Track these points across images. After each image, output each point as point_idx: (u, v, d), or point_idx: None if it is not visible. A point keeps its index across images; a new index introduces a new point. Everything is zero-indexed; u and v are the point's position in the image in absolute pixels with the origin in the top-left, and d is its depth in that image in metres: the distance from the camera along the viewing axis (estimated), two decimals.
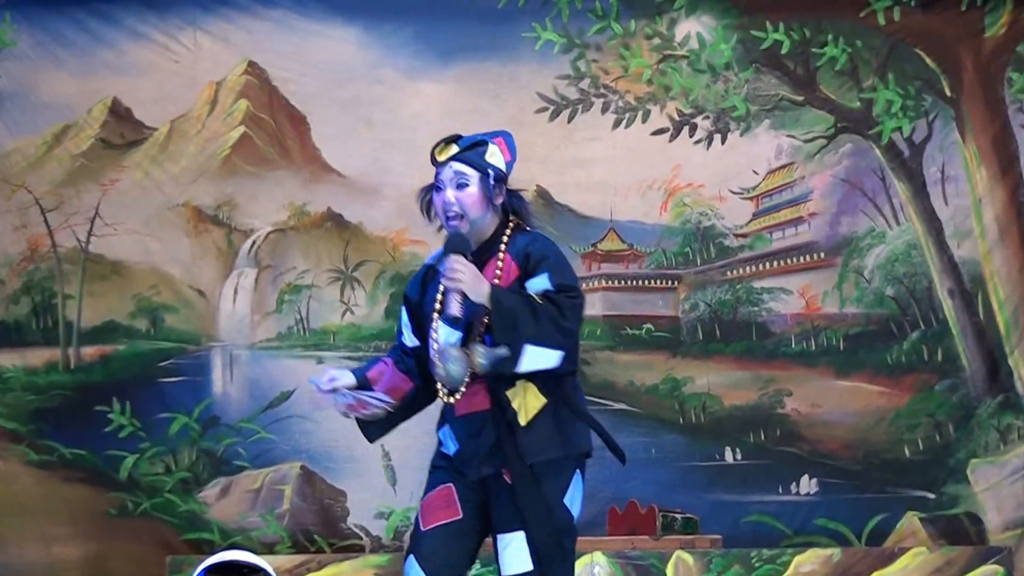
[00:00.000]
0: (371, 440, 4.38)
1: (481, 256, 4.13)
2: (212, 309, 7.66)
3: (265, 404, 7.57)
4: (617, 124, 7.69)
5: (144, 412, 7.51)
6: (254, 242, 7.67)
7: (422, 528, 4.17)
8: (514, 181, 7.71)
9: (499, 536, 4.12)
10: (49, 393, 7.51)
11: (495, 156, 4.23)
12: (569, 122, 7.69)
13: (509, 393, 4.09)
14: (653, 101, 7.70)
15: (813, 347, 7.68)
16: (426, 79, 7.67)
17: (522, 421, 4.08)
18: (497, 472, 4.11)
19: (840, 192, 7.78)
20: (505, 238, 4.18)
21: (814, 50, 7.74)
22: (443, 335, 4.13)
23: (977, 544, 7.50)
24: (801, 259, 7.74)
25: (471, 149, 4.21)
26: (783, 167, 7.76)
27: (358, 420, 4.28)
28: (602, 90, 7.69)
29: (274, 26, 7.64)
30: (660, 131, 7.69)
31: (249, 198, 7.66)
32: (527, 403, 4.09)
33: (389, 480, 7.53)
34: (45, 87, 7.60)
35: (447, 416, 4.22)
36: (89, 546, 7.41)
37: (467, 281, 4.01)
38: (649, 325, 7.71)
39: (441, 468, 4.24)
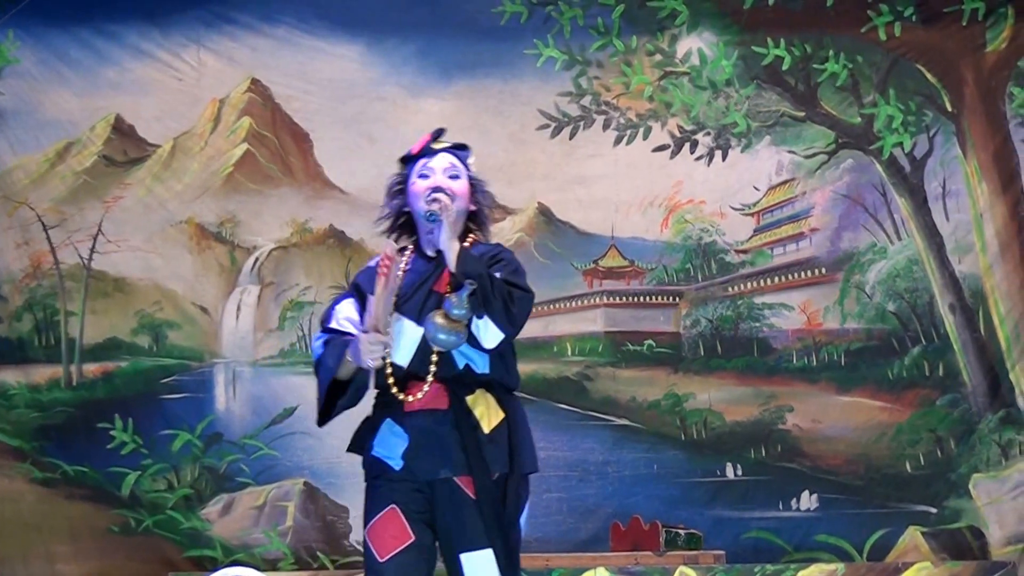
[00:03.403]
0: (321, 424, 4.29)
1: (442, 257, 4.16)
2: (215, 326, 7.70)
3: (268, 421, 7.62)
4: (618, 141, 7.76)
5: (146, 429, 7.56)
6: (257, 259, 7.73)
7: (379, 559, 4.11)
8: (516, 199, 7.87)
9: (463, 555, 4.06)
10: (52, 410, 7.56)
11: (474, 166, 4.37)
12: (571, 139, 7.76)
13: (469, 399, 4.09)
14: (654, 118, 7.76)
15: (814, 363, 7.72)
16: (428, 96, 7.73)
17: (485, 429, 4.09)
18: (451, 478, 4.06)
19: (841, 207, 7.82)
20: (467, 243, 4.20)
21: (815, 66, 7.80)
22: (405, 332, 4.10)
23: (980, 558, 7.53)
24: (802, 275, 7.78)
25: (460, 149, 4.34)
26: (784, 183, 7.81)
27: (322, 402, 4.20)
28: (603, 107, 7.76)
29: (277, 44, 7.72)
30: (661, 147, 7.76)
31: (252, 215, 7.73)
32: (488, 413, 4.11)
33: None
34: (48, 104, 7.68)
35: (390, 410, 4.13)
36: (91, 563, 7.45)
37: (448, 224, 4.06)
38: (651, 341, 7.75)
39: (378, 483, 4.18)
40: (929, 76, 7.86)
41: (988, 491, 7.67)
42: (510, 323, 4.03)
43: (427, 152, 4.30)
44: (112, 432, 7.54)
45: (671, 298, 7.79)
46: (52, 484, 7.50)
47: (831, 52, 7.81)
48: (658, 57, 7.79)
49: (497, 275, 4.05)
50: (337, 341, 4.18)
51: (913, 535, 7.63)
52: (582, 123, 7.76)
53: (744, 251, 7.82)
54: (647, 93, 7.76)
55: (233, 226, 7.73)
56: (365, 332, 4.04)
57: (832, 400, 7.70)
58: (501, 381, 4.16)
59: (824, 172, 7.82)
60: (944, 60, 7.86)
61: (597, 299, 7.77)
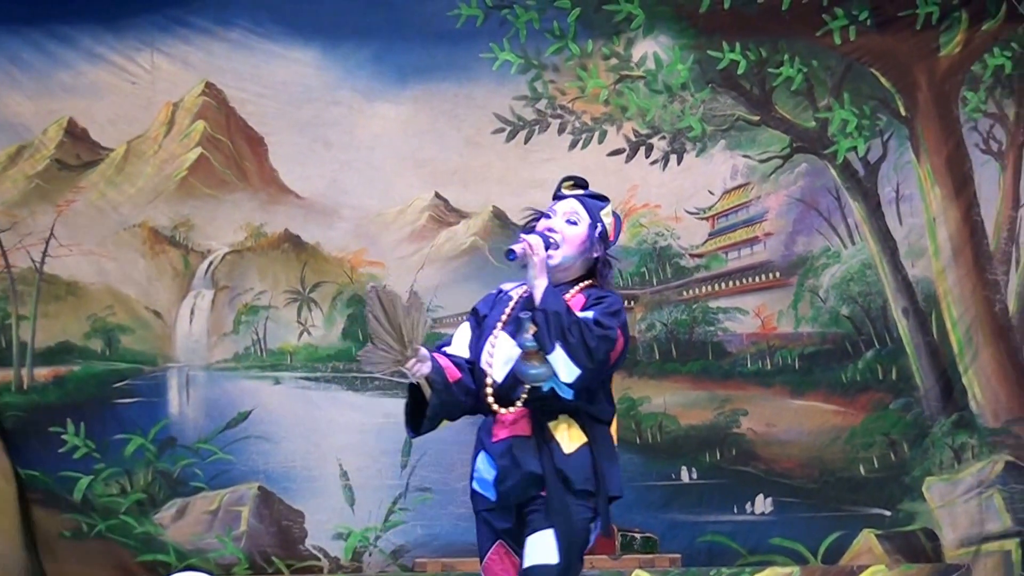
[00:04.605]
0: (416, 434, 4.46)
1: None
2: (168, 330, 7.72)
3: (222, 425, 7.66)
4: (574, 145, 7.79)
5: (99, 433, 7.58)
6: (211, 263, 7.74)
7: None
8: (471, 202, 7.92)
9: (527, 539, 4.28)
10: (3, 414, 7.55)
11: (608, 217, 4.50)
12: (526, 143, 7.78)
13: (551, 425, 4.30)
14: (610, 121, 7.80)
15: (769, 366, 7.78)
16: (384, 100, 7.75)
17: (566, 450, 4.30)
18: (537, 495, 4.29)
19: (795, 212, 7.87)
20: (581, 285, 4.40)
21: (770, 70, 7.84)
22: (501, 347, 4.34)
23: (933, 560, 7.63)
24: (757, 279, 7.83)
25: (593, 197, 4.52)
26: (739, 187, 7.85)
27: (408, 411, 4.39)
28: (559, 111, 7.78)
29: (232, 47, 7.71)
30: (617, 152, 7.79)
31: (206, 219, 7.73)
32: (570, 435, 4.32)
33: (348, 501, 7.64)
34: (0, 107, 7.66)
35: (483, 443, 4.38)
36: (43, 568, 7.45)
37: (538, 262, 4.27)
38: None
39: (482, 516, 4.43)
40: (883, 80, 7.91)
41: (941, 494, 7.75)
42: (588, 358, 4.18)
43: (558, 195, 4.52)
44: (64, 436, 7.56)
45: (626, 302, 7.78)
46: (3, 488, 7.46)
47: (786, 56, 7.85)
48: (614, 61, 7.82)
49: (590, 314, 4.25)
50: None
51: (867, 538, 7.71)
52: (537, 127, 7.79)
53: (699, 255, 7.87)
54: (602, 97, 7.80)
55: (187, 230, 7.73)
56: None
57: (786, 404, 7.76)
58: (587, 411, 4.36)
59: (779, 176, 7.87)
60: (898, 64, 7.91)
61: None
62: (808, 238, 7.88)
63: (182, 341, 7.74)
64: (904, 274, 7.87)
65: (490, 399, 4.33)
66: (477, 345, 4.41)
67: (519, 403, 4.29)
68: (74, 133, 7.71)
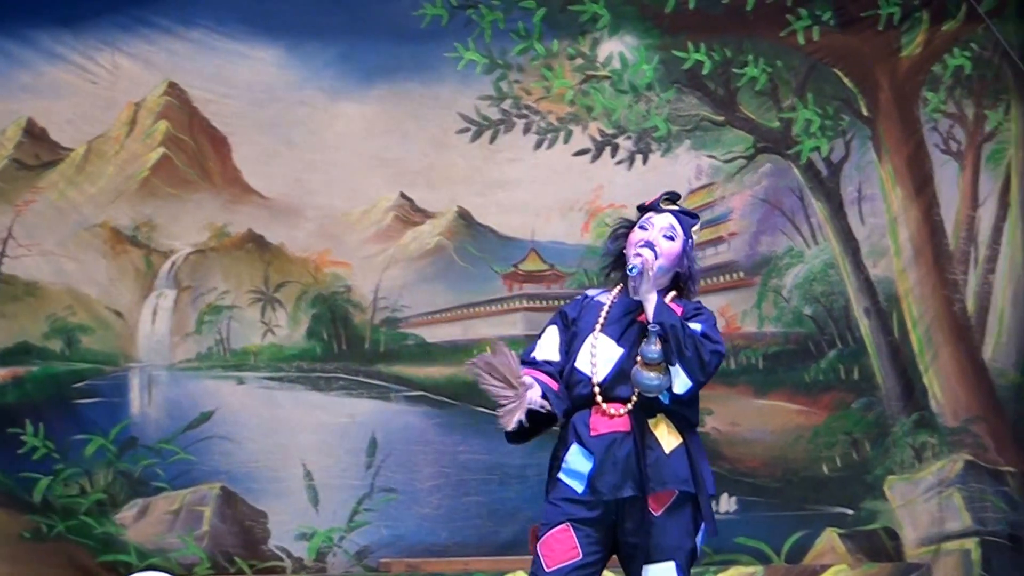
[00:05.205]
0: (518, 441, 4.65)
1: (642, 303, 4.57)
2: (130, 330, 7.70)
3: (184, 425, 7.65)
4: (539, 145, 7.81)
5: (59, 434, 7.56)
6: (174, 263, 7.73)
7: (545, 569, 4.50)
8: (436, 202, 7.94)
9: (647, 567, 4.49)
10: None
11: (696, 234, 4.74)
12: (491, 143, 7.80)
13: (650, 423, 4.52)
14: (575, 121, 7.83)
15: (733, 366, 7.78)
16: (348, 100, 7.75)
17: (666, 449, 4.49)
18: (636, 497, 4.47)
19: (759, 212, 7.91)
20: (671, 296, 4.65)
21: (735, 70, 7.89)
22: (603, 348, 4.54)
23: (895, 559, 7.70)
24: (721, 279, 7.86)
25: (688, 215, 4.72)
26: (703, 187, 7.88)
27: (517, 432, 4.57)
28: (524, 110, 7.81)
29: (195, 47, 7.70)
30: (582, 152, 7.82)
31: (169, 219, 7.71)
32: (668, 435, 4.52)
33: (311, 501, 7.65)
34: None
35: (579, 436, 4.55)
36: (2, 570, 7.41)
37: (648, 276, 4.47)
38: None
39: (557, 503, 4.56)
40: (846, 81, 7.97)
41: (902, 493, 7.81)
42: (701, 371, 4.46)
43: (656, 207, 4.68)
44: (23, 437, 7.54)
45: None
46: None
47: (751, 56, 7.89)
48: (579, 61, 7.84)
49: (697, 327, 4.48)
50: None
51: (830, 537, 7.76)
52: (503, 127, 7.81)
53: None
54: (568, 97, 7.82)
55: (149, 230, 7.72)
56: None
57: (750, 403, 7.80)
58: (682, 413, 4.56)
59: (743, 176, 7.91)
60: (861, 65, 7.96)
61: (517, 303, 7.83)
62: (772, 238, 7.92)
63: (144, 341, 7.72)
64: (866, 274, 7.92)
65: (598, 397, 4.50)
66: (571, 347, 4.63)
67: (629, 405, 4.50)
68: (33, 133, 7.68)
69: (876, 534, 7.80)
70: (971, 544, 7.79)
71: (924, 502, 7.80)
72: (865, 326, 7.90)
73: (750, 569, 7.50)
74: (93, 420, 7.63)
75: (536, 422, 4.58)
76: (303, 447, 7.69)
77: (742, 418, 7.81)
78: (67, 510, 7.54)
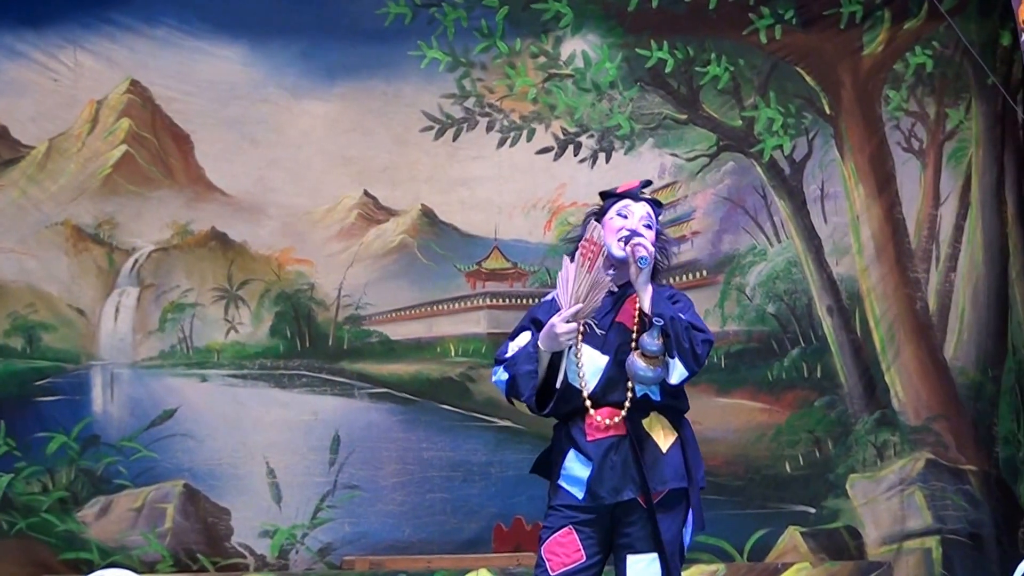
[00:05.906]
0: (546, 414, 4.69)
1: (624, 292, 4.66)
2: (92, 328, 7.69)
3: (147, 423, 7.65)
4: (502, 143, 7.86)
5: (20, 431, 7.56)
6: (136, 261, 7.73)
7: (551, 572, 4.61)
8: (399, 200, 7.95)
9: (629, 556, 4.59)
10: None
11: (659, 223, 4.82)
12: (454, 140, 7.85)
13: (645, 423, 4.60)
14: (538, 120, 7.88)
15: None
16: (311, 98, 7.79)
17: (663, 448, 4.58)
18: (634, 497, 4.56)
19: (722, 210, 7.97)
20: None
21: (697, 69, 7.94)
22: (588, 359, 4.60)
23: (856, 558, 7.74)
24: (684, 277, 7.90)
25: (657, 205, 4.81)
26: (667, 186, 7.92)
27: (533, 399, 4.65)
28: (487, 109, 7.85)
29: (157, 44, 7.71)
30: (545, 150, 7.87)
31: (131, 217, 7.71)
32: (664, 433, 4.61)
33: (274, 498, 7.67)
34: None
35: (572, 440, 4.63)
36: None
37: (647, 268, 4.53)
38: None
39: (559, 509, 4.66)
40: (808, 79, 8.02)
41: (864, 491, 7.86)
42: (695, 362, 4.54)
43: (632, 195, 4.73)
44: None
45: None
46: None
47: (713, 55, 7.95)
48: (542, 59, 7.89)
49: (681, 316, 4.53)
50: (520, 355, 4.64)
51: (792, 535, 7.81)
52: (466, 125, 7.85)
53: None
54: (531, 95, 7.87)
55: (111, 228, 7.72)
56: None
57: (712, 402, 7.81)
58: (674, 405, 4.65)
59: (705, 175, 7.96)
60: (823, 63, 8.02)
61: (480, 300, 7.87)
62: (735, 236, 7.98)
63: (106, 339, 7.72)
64: (828, 272, 7.98)
65: (591, 410, 4.58)
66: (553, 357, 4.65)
67: (623, 412, 4.55)
68: None
69: (838, 532, 7.85)
70: (932, 542, 7.85)
71: (886, 500, 7.85)
72: (828, 324, 7.96)
73: (712, 567, 7.53)
74: (55, 418, 7.62)
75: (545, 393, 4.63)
76: (266, 444, 7.71)
77: (704, 417, 7.68)
78: (28, 508, 7.53)
